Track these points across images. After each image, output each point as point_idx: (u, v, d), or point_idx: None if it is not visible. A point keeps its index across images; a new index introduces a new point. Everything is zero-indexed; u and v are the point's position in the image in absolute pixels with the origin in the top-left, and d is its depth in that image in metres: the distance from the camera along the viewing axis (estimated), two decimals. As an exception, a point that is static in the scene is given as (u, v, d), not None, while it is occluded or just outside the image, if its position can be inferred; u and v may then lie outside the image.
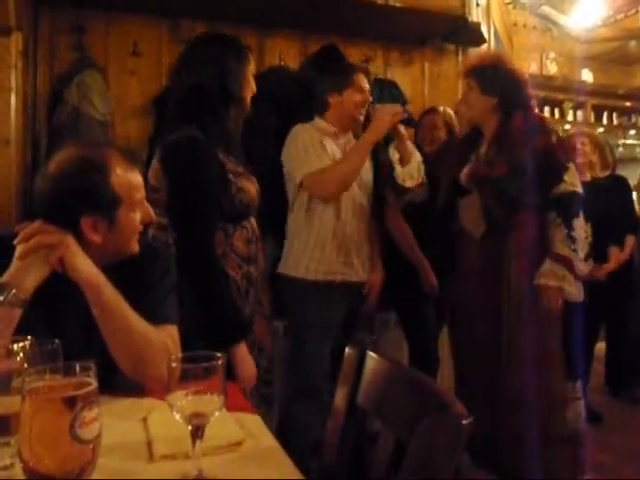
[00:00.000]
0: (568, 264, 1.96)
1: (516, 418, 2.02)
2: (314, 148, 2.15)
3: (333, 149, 2.21)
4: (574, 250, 1.95)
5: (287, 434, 2.02)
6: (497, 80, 2.11)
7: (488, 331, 2.11)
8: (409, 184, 2.26)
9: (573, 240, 1.95)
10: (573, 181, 2.02)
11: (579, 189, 2.02)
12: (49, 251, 1.07)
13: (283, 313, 2.24)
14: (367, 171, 2.32)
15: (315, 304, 2.15)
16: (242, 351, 1.57)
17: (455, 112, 2.73)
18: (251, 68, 1.80)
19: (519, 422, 2.01)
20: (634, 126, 5.94)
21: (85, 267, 1.09)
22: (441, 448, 0.73)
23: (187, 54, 1.83)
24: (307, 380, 2.15)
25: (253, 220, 1.78)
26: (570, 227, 1.96)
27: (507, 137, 2.07)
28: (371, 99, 2.30)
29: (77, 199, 1.13)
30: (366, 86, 2.26)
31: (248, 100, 1.78)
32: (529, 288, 2.02)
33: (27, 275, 1.06)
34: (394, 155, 2.27)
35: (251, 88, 1.79)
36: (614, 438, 2.87)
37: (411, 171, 2.27)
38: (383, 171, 2.34)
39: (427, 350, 2.54)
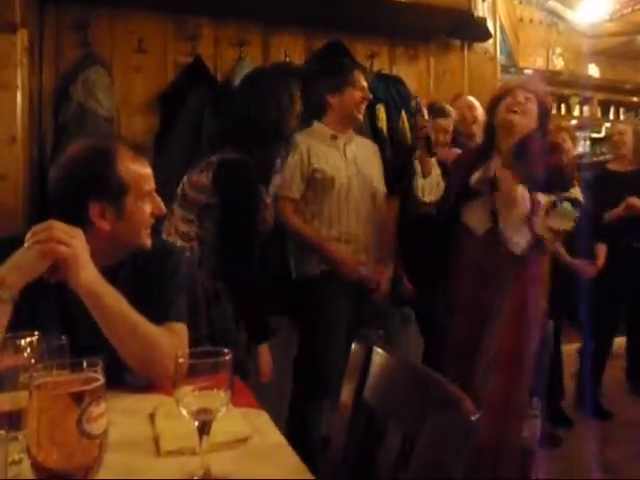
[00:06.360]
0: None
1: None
2: (298, 172, 2.18)
3: (328, 155, 2.21)
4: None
5: (296, 430, 2.03)
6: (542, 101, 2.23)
7: (485, 329, 2.11)
8: (428, 199, 2.35)
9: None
10: (577, 195, 2.15)
11: (581, 200, 2.13)
12: (58, 261, 1.04)
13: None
14: (376, 172, 2.32)
15: (323, 296, 2.16)
16: (265, 350, 1.86)
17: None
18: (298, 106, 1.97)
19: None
20: (641, 121, 5.90)
21: (86, 278, 1.06)
22: (450, 445, 0.73)
23: (244, 84, 2.07)
24: (317, 377, 2.15)
25: None
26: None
27: (526, 152, 2.14)
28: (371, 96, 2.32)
29: (85, 185, 1.17)
30: (364, 84, 2.27)
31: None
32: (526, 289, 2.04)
33: (15, 272, 1.03)
34: (417, 167, 2.36)
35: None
36: (623, 434, 2.85)
37: (432, 184, 2.36)
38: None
39: (440, 346, 2.53)
